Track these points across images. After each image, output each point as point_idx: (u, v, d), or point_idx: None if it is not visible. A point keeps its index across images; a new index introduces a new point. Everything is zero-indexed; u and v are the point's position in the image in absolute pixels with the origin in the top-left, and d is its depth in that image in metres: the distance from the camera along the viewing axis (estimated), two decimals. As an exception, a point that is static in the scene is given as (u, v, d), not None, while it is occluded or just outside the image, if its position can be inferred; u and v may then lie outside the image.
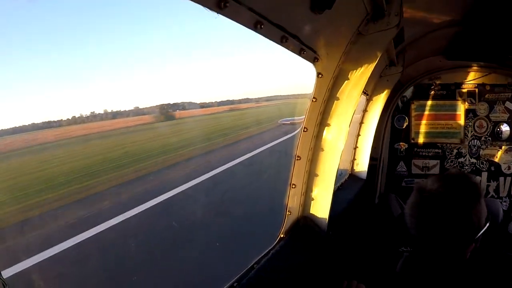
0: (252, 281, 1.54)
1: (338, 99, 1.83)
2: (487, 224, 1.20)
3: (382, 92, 3.24)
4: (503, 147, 3.68)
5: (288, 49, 1.37)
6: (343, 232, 2.44)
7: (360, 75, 1.77)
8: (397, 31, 1.66)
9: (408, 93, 3.86)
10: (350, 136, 3.04)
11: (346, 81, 1.78)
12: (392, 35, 1.68)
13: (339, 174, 2.91)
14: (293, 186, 1.95)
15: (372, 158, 3.53)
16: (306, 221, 2.03)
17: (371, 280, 1.52)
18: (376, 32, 1.65)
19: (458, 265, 1.22)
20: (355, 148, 3.49)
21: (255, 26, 1.10)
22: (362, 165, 3.51)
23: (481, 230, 1.18)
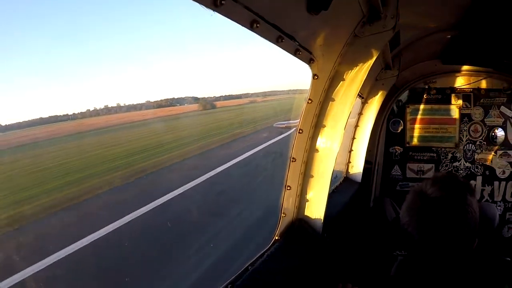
0: (246, 282, 1.52)
1: (333, 100, 1.82)
2: None
3: (378, 96, 3.24)
4: (497, 151, 3.69)
5: (284, 49, 1.36)
6: (338, 235, 2.42)
7: (356, 77, 1.76)
8: (393, 34, 1.65)
9: (404, 97, 3.87)
10: (345, 139, 3.03)
11: (341, 82, 1.77)
12: (388, 37, 1.68)
13: (334, 177, 2.90)
14: (288, 188, 1.93)
15: (367, 162, 3.52)
16: (301, 223, 2.02)
17: (366, 284, 1.51)
18: (372, 34, 1.65)
19: (467, 262, 1.23)
20: (350, 151, 3.48)
21: (251, 25, 1.09)
22: (357, 169, 3.50)
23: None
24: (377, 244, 2.92)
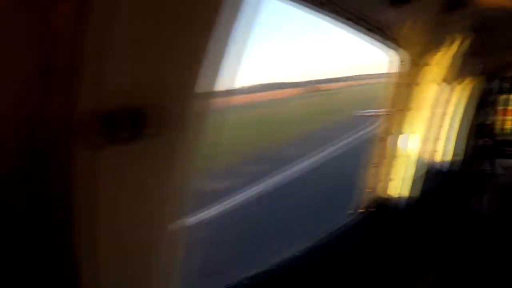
0: (325, 247, 1.68)
1: (418, 85, 1.92)
2: None
3: (465, 84, 3.16)
4: None
5: (372, 39, 1.58)
6: (419, 220, 2.45)
7: (440, 64, 1.87)
8: (474, 20, 1.75)
9: (494, 85, 3.65)
10: (432, 127, 3.00)
11: (425, 68, 1.88)
12: (469, 23, 1.77)
13: (420, 164, 2.88)
14: (374, 166, 2.06)
15: (454, 153, 3.41)
16: (383, 201, 2.10)
17: (447, 274, 1.55)
18: (453, 21, 1.75)
19: None
20: (438, 140, 3.36)
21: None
22: (443, 158, 3.40)
23: None
24: (459, 236, 2.84)
